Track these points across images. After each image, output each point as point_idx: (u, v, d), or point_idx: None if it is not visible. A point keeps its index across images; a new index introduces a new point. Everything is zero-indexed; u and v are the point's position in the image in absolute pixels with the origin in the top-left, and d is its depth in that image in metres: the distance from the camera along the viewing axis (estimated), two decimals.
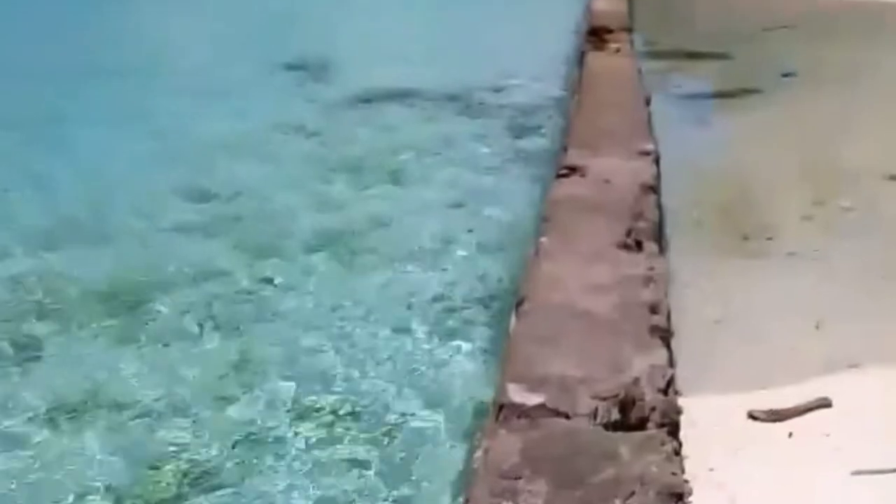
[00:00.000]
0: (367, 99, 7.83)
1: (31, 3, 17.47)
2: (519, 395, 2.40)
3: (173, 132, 7.11)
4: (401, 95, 7.86)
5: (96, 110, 8.41)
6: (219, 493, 2.68)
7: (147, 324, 3.80)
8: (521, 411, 2.34)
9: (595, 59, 7.18)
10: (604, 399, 2.37)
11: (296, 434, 2.96)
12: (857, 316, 3.24)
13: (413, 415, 3.04)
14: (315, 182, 5.68)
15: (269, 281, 4.26)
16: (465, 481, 2.34)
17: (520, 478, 2.06)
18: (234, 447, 2.89)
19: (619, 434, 2.25)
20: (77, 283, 4.19)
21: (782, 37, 9.36)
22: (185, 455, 2.84)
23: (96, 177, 6.14)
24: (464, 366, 3.37)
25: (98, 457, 2.84)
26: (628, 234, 3.77)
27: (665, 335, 2.95)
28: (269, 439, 2.93)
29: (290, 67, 9.70)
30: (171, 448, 2.89)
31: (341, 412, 3.05)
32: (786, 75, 7.34)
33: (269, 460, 2.82)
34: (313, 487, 2.70)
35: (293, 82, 9.07)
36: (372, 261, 4.39)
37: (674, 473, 2.09)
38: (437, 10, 14.98)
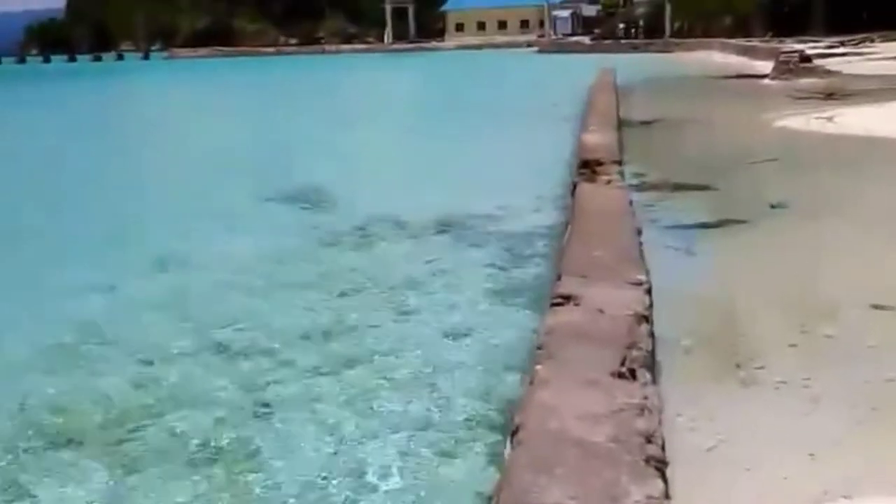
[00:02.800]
0: (362, 227, 8.05)
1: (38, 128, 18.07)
2: None
3: (166, 258, 7.27)
4: (395, 224, 8.08)
5: (88, 227, 8.63)
6: None
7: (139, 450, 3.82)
8: None
9: (587, 191, 7.44)
10: None
11: None
12: (848, 446, 3.27)
13: None
14: (309, 310, 5.78)
15: (265, 406, 4.29)
16: None
17: None
18: None
19: None
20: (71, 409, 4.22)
21: (768, 169, 9.71)
22: None
23: (88, 297, 6.26)
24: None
25: None
26: (622, 362, 3.85)
27: (661, 465, 2.98)
28: None
29: (286, 196, 9.99)
30: None
31: None
32: (774, 207, 7.55)
33: None
34: None
35: (289, 211, 9.33)
36: (364, 389, 4.43)
37: None
38: (431, 142, 15.60)
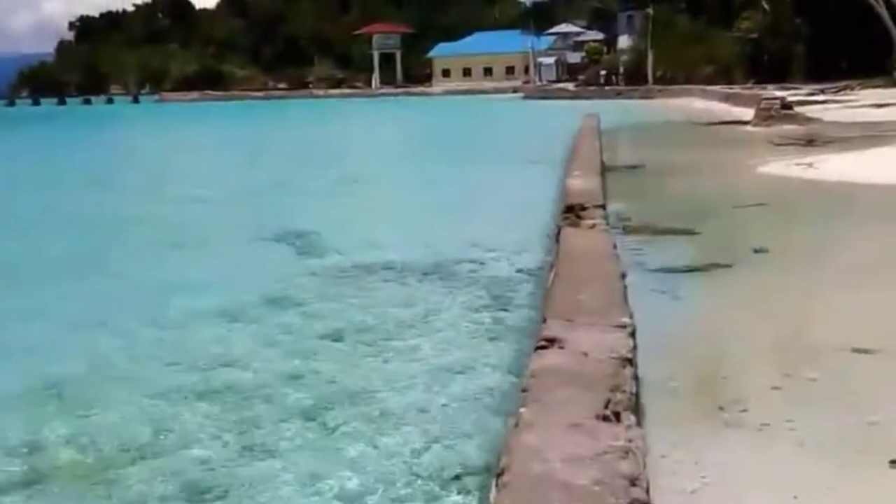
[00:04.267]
0: (350, 271, 8.08)
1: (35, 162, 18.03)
2: None
3: (156, 299, 7.26)
4: (383, 268, 8.12)
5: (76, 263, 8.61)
6: None
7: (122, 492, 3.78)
8: None
9: (571, 235, 7.49)
10: None
11: None
12: (832, 489, 3.29)
13: None
14: (297, 352, 5.78)
15: (250, 450, 4.27)
16: None
17: None
18: None
19: None
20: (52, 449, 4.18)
21: (751, 214, 9.84)
22: None
23: (77, 333, 6.24)
24: None
25: None
26: (606, 405, 3.87)
27: None
28: None
29: (277, 239, 10.02)
30: None
31: None
32: (757, 251, 7.63)
33: None
34: None
35: (277, 252, 9.36)
36: (352, 431, 4.42)
37: None
38: (419, 185, 15.72)
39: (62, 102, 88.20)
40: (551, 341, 4.75)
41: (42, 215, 13.29)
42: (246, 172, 20.50)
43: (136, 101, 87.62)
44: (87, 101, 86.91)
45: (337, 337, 6.09)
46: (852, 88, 36.46)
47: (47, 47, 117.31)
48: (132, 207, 14.20)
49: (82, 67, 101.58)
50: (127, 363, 5.73)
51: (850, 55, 41.05)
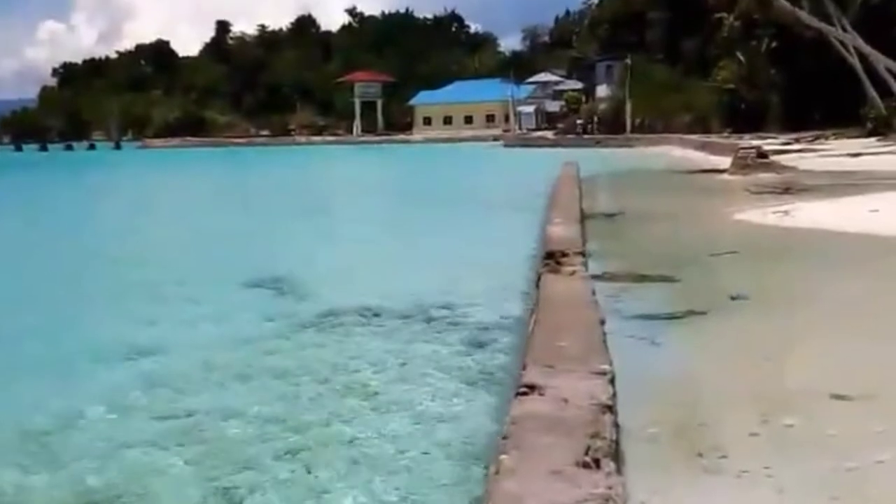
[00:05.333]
0: (329, 317, 8.07)
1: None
2: None
3: (134, 347, 7.20)
4: (361, 312, 8.11)
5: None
6: None
7: None
8: None
9: (552, 281, 7.55)
10: None
11: None
12: None
13: None
14: (274, 399, 5.75)
15: (226, 495, 4.22)
16: None
17: None
18: None
19: None
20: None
21: (728, 261, 9.95)
22: None
23: (52, 381, 6.16)
24: None
25: None
26: (587, 452, 3.87)
27: None
28: None
29: (254, 283, 9.99)
30: None
31: None
32: (734, 298, 7.70)
33: None
34: None
35: (258, 298, 9.33)
36: (331, 477, 4.38)
37: None
38: (398, 233, 15.78)
39: (44, 148, 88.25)
40: (531, 388, 4.76)
41: (11, 257, 13.20)
42: (222, 216, 20.50)
43: (117, 146, 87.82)
44: (69, 147, 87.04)
45: (314, 382, 6.06)
46: (827, 138, 37.23)
47: (30, 93, 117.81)
48: (108, 249, 14.14)
49: (65, 113, 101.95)
50: (100, 409, 5.65)
51: (824, 106, 42.00)
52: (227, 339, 7.42)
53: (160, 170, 46.54)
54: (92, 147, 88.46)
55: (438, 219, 17.54)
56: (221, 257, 13.20)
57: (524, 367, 5.20)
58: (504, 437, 4.07)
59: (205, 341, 7.36)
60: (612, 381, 4.91)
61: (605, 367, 5.05)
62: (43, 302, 9.77)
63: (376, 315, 8.09)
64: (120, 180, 40.04)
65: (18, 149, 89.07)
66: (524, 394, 4.67)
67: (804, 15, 35.24)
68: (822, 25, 35.19)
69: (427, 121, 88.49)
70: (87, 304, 9.63)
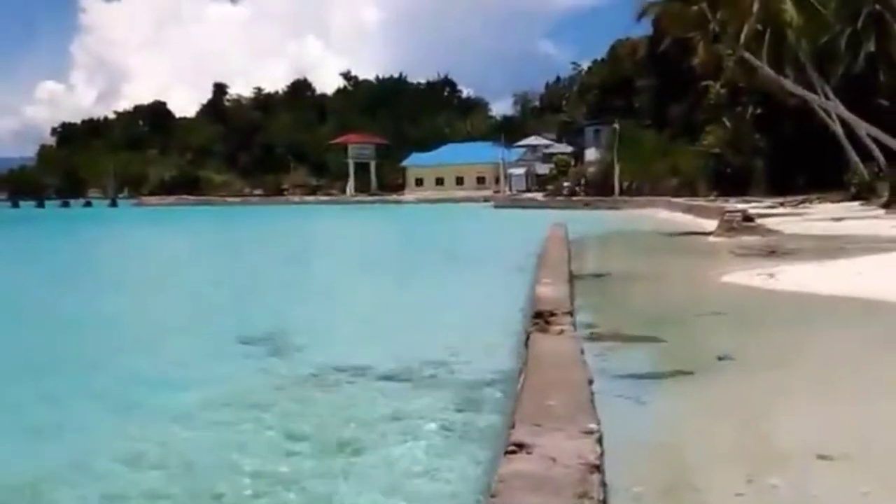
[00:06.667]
0: (319, 374, 8.08)
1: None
2: None
3: (125, 402, 7.19)
4: (351, 370, 8.13)
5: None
6: None
7: None
8: None
9: (540, 341, 7.61)
10: None
11: None
12: None
13: None
14: (262, 455, 5.74)
15: None
16: None
17: None
18: None
19: None
20: None
21: (714, 322, 10.06)
22: None
23: (40, 440, 6.13)
24: None
25: None
26: None
27: None
28: None
29: (245, 341, 10.00)
30: None
31: None
32: (721, 359, 7.79)
33: None
34: None
35: (245, 354, 9.33)
36: None
37: None
38: (392, 291, 15.84)
39: (40, 205, 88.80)
40: (520, 446, 4.79)
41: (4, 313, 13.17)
42: (215, 273, 20.53)
43: (113, 204, 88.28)
44: (66, 204, 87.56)
45: (303, 439, 6.06)
46: (811, 202, 37.78)
47: (29, 152, 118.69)
48: (99, 305, 14.13)
49: (62, 171, 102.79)
50: (87, 466, 5.63)
51: (808, 171, 42.77)
52: (214, 395, 7.40)
53: (154, 226, 46.67)
54: (88, 204, 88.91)
55: (429, 276, 17.64)
56: (214, 312, 13.22)
57: (513, 426, 5.24)
58: (492, 496, 4.09)
59: (191, 397, 7.34)
60: (599, 441, 4.95)
61: (593, 426, 5.10)
62: (29, 358, 9.74)
63: (363, 372, 8.10)
64: (114, 235, 40.10)
65: (15, 205, 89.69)
66: (512, 452, 4.70)
67: (788, 83, 36.09)
68: (806, 93, 36.01)
69: (419, 182, 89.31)
70: (73, 360, 9.61)
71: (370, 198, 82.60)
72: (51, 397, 7.63)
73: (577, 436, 5.00)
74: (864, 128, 35.08)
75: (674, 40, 39.13)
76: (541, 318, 8.57)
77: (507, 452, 4.71)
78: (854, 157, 37.22)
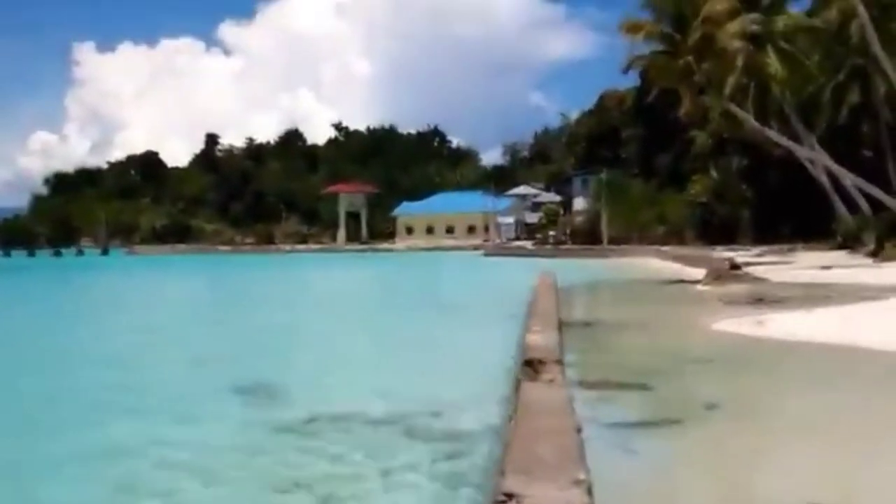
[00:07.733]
0: (306, 421, 8.05)
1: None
2: None
3: (117, 453, 7.14)
4: (339, 419, 8.10)
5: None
6: None
7: None
8: None
9: (529, 389, 7.62)
10: None
11: None
12: None
13: None
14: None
15: None
16: None
17: None
18: None
19: None
20: None
21: (703, 370, 10.09)
22: None
23: (30, 483, 6.07)
24: None
25: None
26: None
27: None
28: None
29: (235, 390, 9.97)
30: None
31: None
32: (709, 407, 7.81)
33: None
34: None
35: (237, 404, 9.29)
36: None
37: None
38: (377, 338, 15.83)
39: (32, 254, 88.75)
40: (509, 496, 4.79)
41: None
42: (206, 322, 20.45)
43: (105, 252, 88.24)
44: (58, 253, 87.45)
45: (292, 489, 6.02)
46: (797, 251, 38.13)
47: (22, 202, 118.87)
48: (89, 349, 14.04)
49: (54, 220, 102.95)
50: None
51: (794, 220, 43.28)
52: (203, 444, 7.36)
53: (146, 274, 46.55)
54: (80, 253, 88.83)
55: (419, 324, 17.63)
56: (203, 360, 13.15)
57: (502, 475, 5.24)
58: None
59: (179, 448, 7.29)
60: (589, 490, 4.95)
61: (582, 476, 5.10)
62: (15, 405, 9.66)
63: (352, 420, 8.07)
64: (105, 284, 39.95)
65: (7, 254, 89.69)
66: (502, 502, 4.69)
67: (773, 134, 36.68)
68: (791, 144, 36.59)
69: (409, 230, 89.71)
70: (60, 405, 9.54)
71: (361, 246, 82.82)
72: (24, 445, 7.57)
73: (566, 485, 5.00)
74: (849, 178, 35.58)
75: (661, 91, 39.78)
76: (530, 367, 8.59)
77: (496, 502, 4.70)
78: (841, 207, 37.68)
